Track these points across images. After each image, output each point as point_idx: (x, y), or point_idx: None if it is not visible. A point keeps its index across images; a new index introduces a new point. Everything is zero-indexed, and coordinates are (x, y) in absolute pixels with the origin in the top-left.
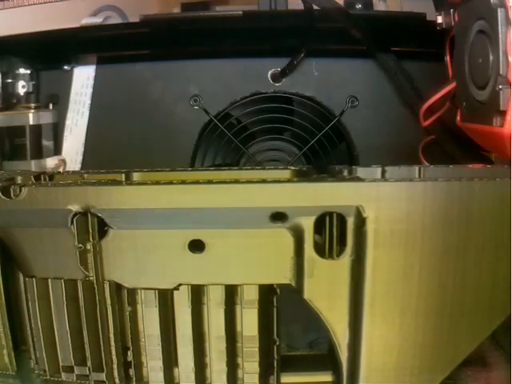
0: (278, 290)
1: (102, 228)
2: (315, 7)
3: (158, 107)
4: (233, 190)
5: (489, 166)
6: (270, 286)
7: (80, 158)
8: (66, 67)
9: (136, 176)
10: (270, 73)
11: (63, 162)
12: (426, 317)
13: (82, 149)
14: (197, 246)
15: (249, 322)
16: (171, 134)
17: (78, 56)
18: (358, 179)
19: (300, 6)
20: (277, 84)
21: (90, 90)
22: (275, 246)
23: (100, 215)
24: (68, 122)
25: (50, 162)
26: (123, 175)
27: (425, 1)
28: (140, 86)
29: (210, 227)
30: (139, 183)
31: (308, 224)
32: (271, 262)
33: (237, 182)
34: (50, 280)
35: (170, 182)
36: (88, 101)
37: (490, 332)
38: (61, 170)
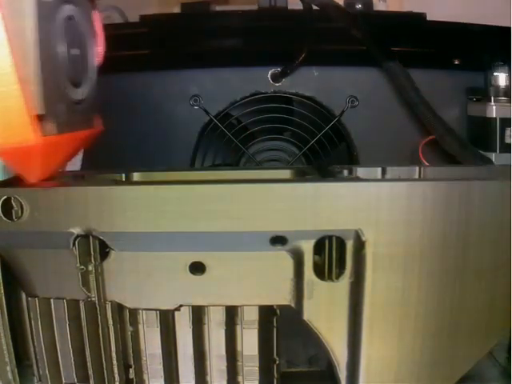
0: (278, 311)
1: (104, 249)
2: (315, 7)
3: (158, 107)
4: (233, 212)
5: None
6: (270, 307)
7: (80, 157)
8: None
9: (136, 177)
10: (270, 73)
11: None
12: (424, 337)
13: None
14: (197, 267)
15: (249, 341)
16: (171, 134)
17: None
18: (358, 179)
19: (300, 6)
20: (277, 84)
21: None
22: (275, 268)
23: (102, 238)
24: None
25: None
26: (123, 175)
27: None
28: (140, 86)
29: (211, 250)
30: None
31: (308, 247)
32: (271, 283)
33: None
34: (52, 300)
35: (175, 204)
36: None
37: (488, 351)
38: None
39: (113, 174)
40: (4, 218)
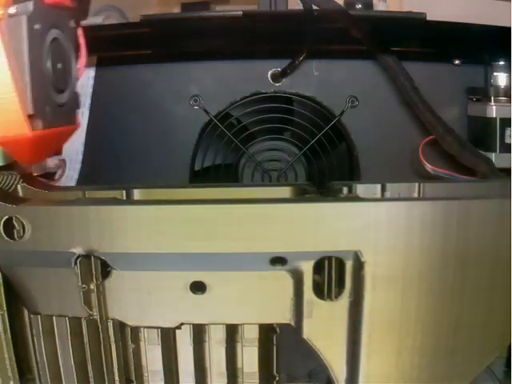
0: (278, 329)
1: (105, 268)
2: (315, 7)
3: (158, 107)
4: (233, 235)
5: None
6: (270, 325)
7: (80, 157)
8: None
9: (136, 194)
10: (270, 73)
11: (63, 161)
12: (422, 355)
13: (81, 149)
14: (198, 287)
15: (249, 359)
16: (171, 134)
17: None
18: (358, 199)
19: (300, 6)
20: (277, 84)
21: (89, 90)
22: (275, 287)
23: (103, 258)
24: None
25: (50, 162)
26: (123, 192)
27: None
28: (140, 86)
29: (211, 269)
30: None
31: (307, 267)
32: (271, 302)
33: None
34: (54, 317)
35: (175, 225)
36: (88, 101)
37: (484, 367)
38: (61, 170)
39: (113, 191)
40: (6, 238)
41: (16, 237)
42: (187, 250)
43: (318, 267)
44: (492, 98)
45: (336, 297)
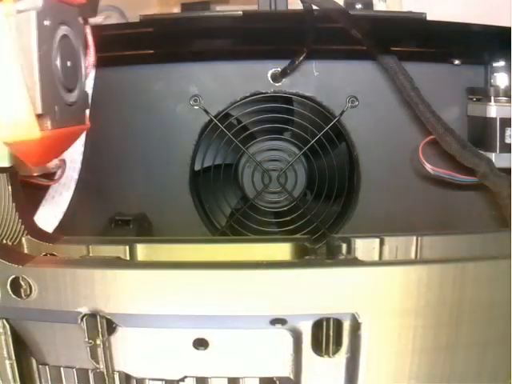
0: (278, 382)
1: (111, 325)
2: (315, 7)
3: (158, 107)
4: (233, 300)
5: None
6: (270, 378)
7: (80, 158)
8: None
9: (140, 251)
10: (270, 73)
11: (63, 161)
12: None
13: (81, 149)
14: (201, 343)
15: None
16: (171, 134)
17: None
18: (356, 262)
19: (300, 6)
20: (277, 84)
21: (89, 91)
22: (275, 344)
23: (108, 317)
24: None
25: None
26: (127, 248)
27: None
28: (140, 86)
29: (213, 327)
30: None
31: (306, 327)
32: (271, 357)
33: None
34: (62, 368)
35: (178, 290)
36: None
37: None
38: (61, 170)
39: (116, 246)
40: (13, 296)
41: (23, 295)
42: (189, 312)
43: (317, 325)
44: (492, 98)
45: (333, 353)
